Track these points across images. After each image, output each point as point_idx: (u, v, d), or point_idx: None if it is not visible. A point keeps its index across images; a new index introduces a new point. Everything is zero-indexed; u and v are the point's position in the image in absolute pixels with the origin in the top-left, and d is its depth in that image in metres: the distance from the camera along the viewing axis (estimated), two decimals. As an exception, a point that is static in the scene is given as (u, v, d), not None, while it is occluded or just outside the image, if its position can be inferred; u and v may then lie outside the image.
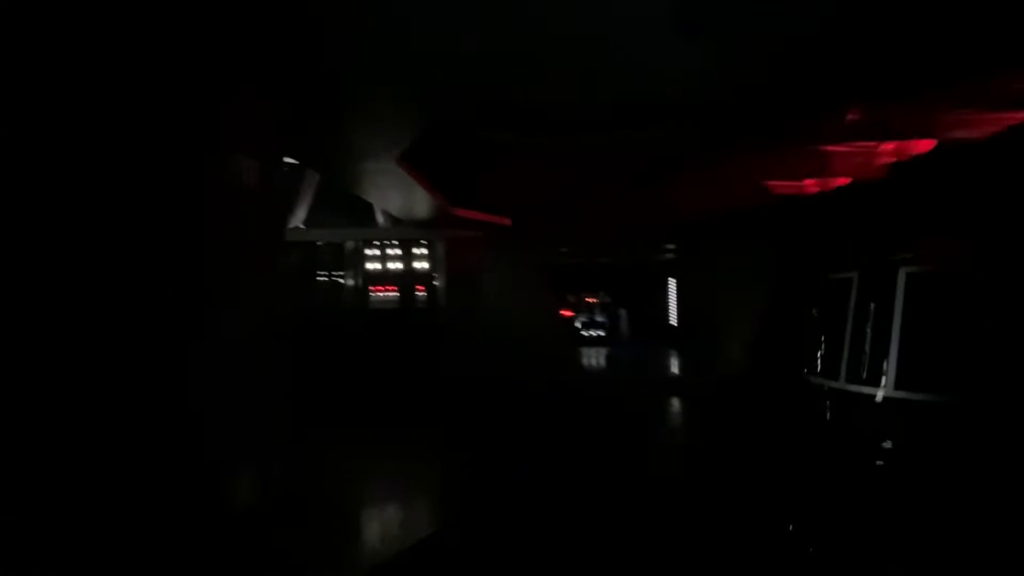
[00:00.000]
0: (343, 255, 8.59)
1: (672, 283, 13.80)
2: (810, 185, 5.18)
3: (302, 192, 13.62)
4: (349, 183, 6.20)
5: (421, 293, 8.50)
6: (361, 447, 5.12)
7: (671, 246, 11.50)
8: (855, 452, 2.94)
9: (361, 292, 8.43)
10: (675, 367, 11.29)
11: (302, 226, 8.03)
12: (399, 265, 8.53)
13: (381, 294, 8.49)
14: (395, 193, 5.97)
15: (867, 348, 3.00)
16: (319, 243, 8.58)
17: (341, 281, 8.88)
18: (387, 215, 8.32)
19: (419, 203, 6.67)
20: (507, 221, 8.06)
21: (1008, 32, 2.39)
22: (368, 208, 8.27)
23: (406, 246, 8.46)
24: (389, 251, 8.51)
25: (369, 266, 8.53)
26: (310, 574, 2.82)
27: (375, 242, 8.50)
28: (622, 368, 12.02)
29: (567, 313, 15.02)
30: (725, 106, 3.54)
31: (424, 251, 8.50)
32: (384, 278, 8.55)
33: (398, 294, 8.49)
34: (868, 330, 2.98)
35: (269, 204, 3.36)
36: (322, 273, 8.72)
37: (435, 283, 8.41)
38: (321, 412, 5.50)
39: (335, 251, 8.68)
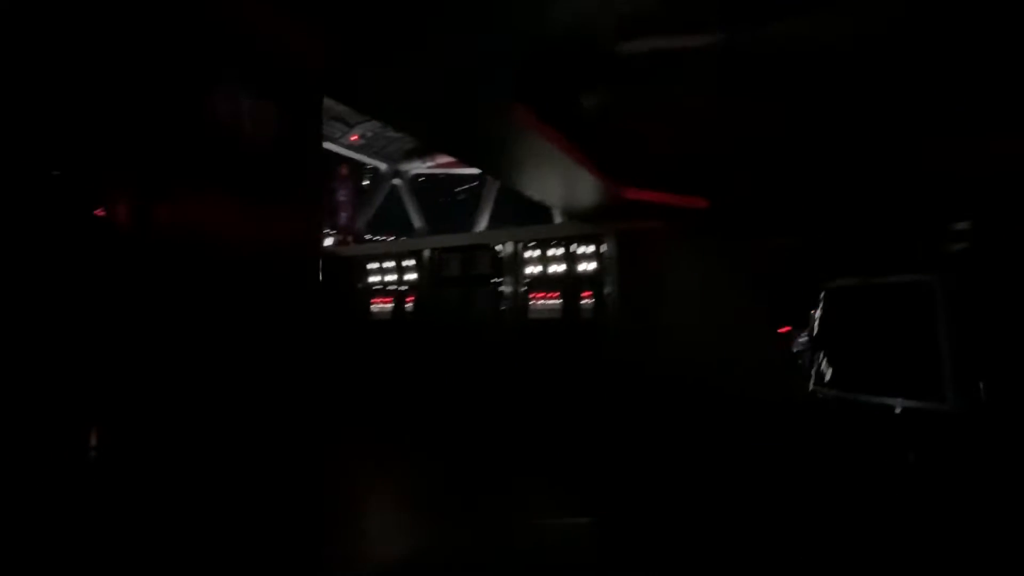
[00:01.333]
0: (502, 260, 7.63)
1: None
2: None
3: (483, 199, 13.47)
4: (464, 154, 4.94)
5: (587, 300, 6.98)
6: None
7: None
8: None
9: (520, 300, 7.32)
10: None
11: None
12: (562, 267, 7.17)
13: (542, 302, 7.25)
14: (534, 167, 4.57)
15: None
16: (478, 247, 7.79)
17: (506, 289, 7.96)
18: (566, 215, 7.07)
19: (575, 183, 5.17)
20: (700, 202, 5.99)
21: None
22: (547, 211, 7.17)
23: (571, 245, 7.05)
24: (551, 252, 7.21)
25: (528, 270, 7.39)
26: None
27: (536, 243, 7.33)
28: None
29: (784, 330, 11.58)
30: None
31: (591, 249, 6.97)
32: (545, 283, 7.29)
33: (560, 301, 7.14)
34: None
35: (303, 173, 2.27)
36: (482, 280, 7.90)
37: (605, 289, 6.77)
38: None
39: (495, 256, 7.78)
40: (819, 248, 6.03)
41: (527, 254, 7.32)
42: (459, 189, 22.38)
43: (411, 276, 8.28)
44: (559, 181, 5.16)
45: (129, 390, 1.50)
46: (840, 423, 3.76)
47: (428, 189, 22.95)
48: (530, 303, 7.24)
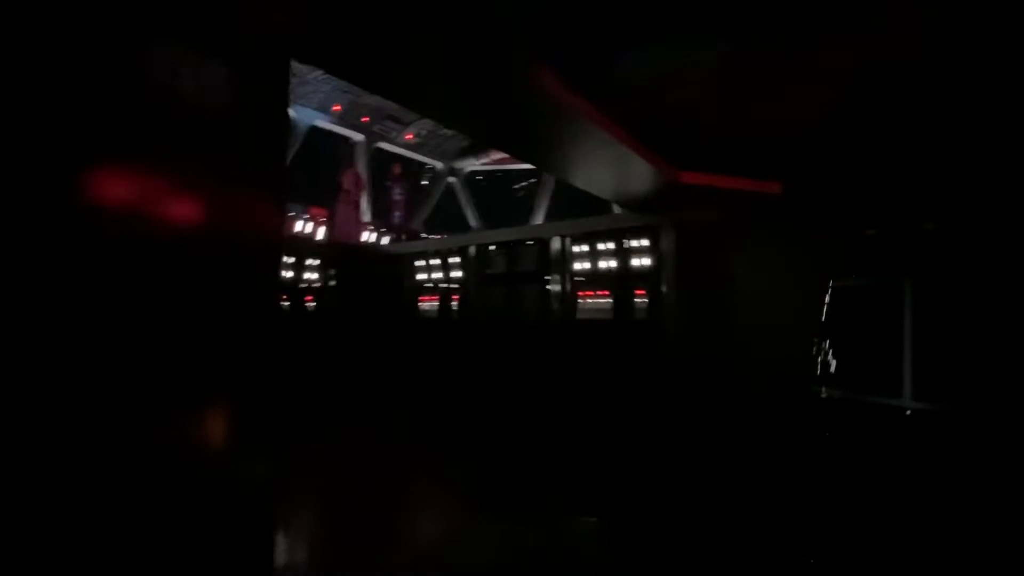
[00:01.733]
0: (549, 256, 7.16)
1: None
2: None
3: (539, 195, 13.06)
4: (481, 132, 4.44)
5: (641, 299, 6.34)
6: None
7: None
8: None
9: (568, 299, 6.82)
10: None
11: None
12: (613, 263, 6.59)
13: (591, 301, 6.70)
14: (569, 147, 4.07)
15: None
16: (524, 242, 7.37)
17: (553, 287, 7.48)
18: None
19: (622, 166, 4.62)
20: (772, 187, 5.20)
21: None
22: (606, 207, 6.68)
23: (623, 238, 6.45)
24: (601, 246, 6.65)
25: (577, 266, 6.87)
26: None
27: (585, 237, 6.78)
28: None
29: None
30: None
31: (646, 243, 6.32)
32: (594, 281, 6.74)
33: (611, 300, 6.55)
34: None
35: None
36: (528, 277, 7.48)
37: (662, 286, 6.11)
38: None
39: (541, 252, 7.33)
40: (911, 240, 5.02)
41: (575, 249, 6.81)
42: (517, 186, 22.11)
43: (457, 274, 8.03)
44: (603, 164, 4.63)
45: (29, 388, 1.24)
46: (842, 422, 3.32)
47: (486, 187, 22.88)
48: (578, 302, 6.73)
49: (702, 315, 5.61)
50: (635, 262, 6.35)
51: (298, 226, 10.74)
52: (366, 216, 12.11)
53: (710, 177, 5.03)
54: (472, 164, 14.13)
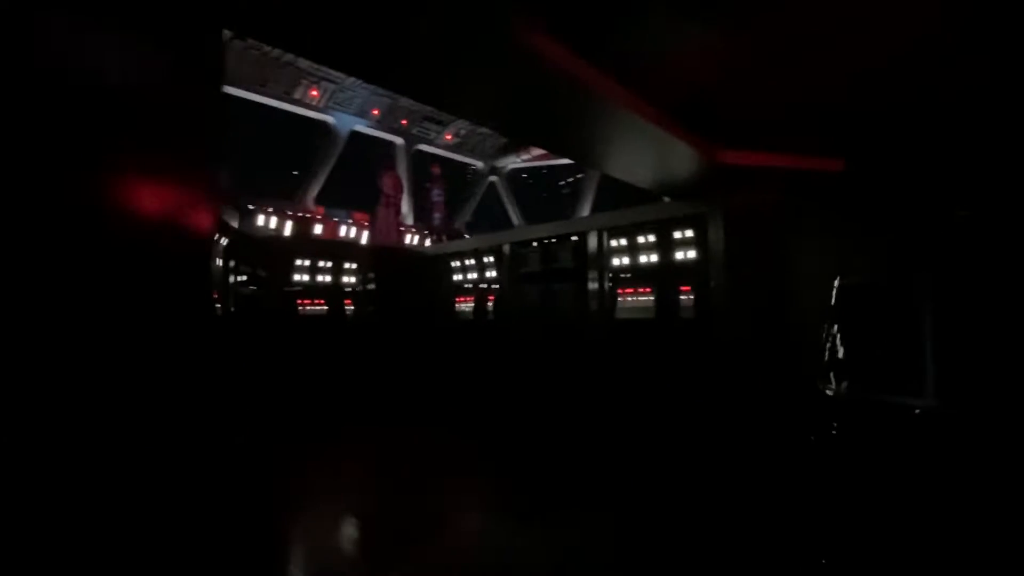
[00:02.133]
0: (586, 251, 6.71)
1: None
2: None
3: (584, 190, 12.58)
4: (479, 113, 4.03)
5: (687, 295, 5.77)
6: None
7: None
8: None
9: (607, 297, 6.35)
10: None
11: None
12: (655, 257, 6.05)
13: (631, 299, 6.20)
14: (593, 129, 3.64)
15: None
16: (560, 239, 6.97)
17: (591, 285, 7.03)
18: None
19: (656, 149, 4.14)
20: (833, 165, 4.51)
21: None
22: (655, 200, 6.21)
23: (665, 230, 5.90)
24: (641, 239, 6.13)
25: (615, 261, 6.38)
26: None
27: (625, 230, 6.28)
28: None
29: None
30: None
31: (690, 234, 5.74)
32: (635, 277, 6.23)
33: (653, 298, 6.02)
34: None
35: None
36: (564, 275, 7.07)
37: (710, 283, 5.52)
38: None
39: (577, 248, 6.89)
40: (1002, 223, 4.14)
41: (614, 243, 6.34)
42: (562, 183, 21.63)
43: (492, 273, 7.76)
44: (633, 147, 4.18)
45: None
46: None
47: (532, 184, 22.53)
48: (618, 300, 6.25)
49: (755, 314, 4.99)
50: (679, 255, 5.79)
51: (342, 231, 10.92)
52: (408, 219, 12.15)
53: (759, 156, 4.45)
54: (513, 162, 13.87)
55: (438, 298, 8.35)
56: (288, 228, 9.90)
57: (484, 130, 12.29)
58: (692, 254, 5.68)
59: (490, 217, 15.68)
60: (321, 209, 10.74)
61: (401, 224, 11.93)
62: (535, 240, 7.07)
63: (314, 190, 10.64)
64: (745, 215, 5.19)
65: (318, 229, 10.34)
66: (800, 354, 4.50)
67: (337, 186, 11.38)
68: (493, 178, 13.94)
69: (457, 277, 8.29)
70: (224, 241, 5.78)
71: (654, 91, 3.41)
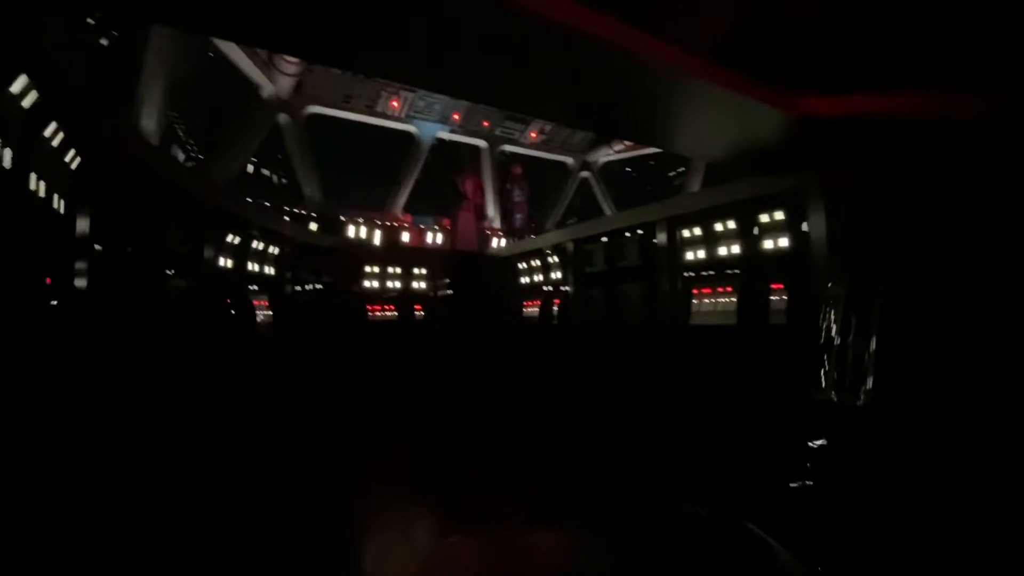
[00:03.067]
0: (655, 245, 5.69)
1: None
2: None
3: (690, 181, 11.25)
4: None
5: (778, 295, 4.49)
6: None
7: None
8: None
9: (680, 299, 5.28)
10: None
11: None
12: (736, 250, 4.85)
13: (708, 300, 5.05)
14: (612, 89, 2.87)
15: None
16: (626, 232, 6.02)
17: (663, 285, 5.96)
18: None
19: (716, 107, 3.16)
20: (971, 107, 3.05)
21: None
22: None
23: (750, 215, 4.70)
24: (719, 227, 4.97)
25: (689, 255, 5.28)
26: None
27: (699, 217, 5.15)
28: None
29: None
30: None
31: (781, 217, 4.47)
32: (713, 274, 5.07)
33: (735, 300, 4.81)
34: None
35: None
36: (629, 274, 6.10)
37: (807, 278, 4.21)
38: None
39: (643, 241, 5.88)
40: None
41: (685, 233, 5.28)
42: (673, 173, 19.73)
43: (557, 275, 7.09)
44: (686, 110, 3.30)
45: None
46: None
47: (634, 178, 20.98)
48: (693, 303, 5.18)
49: (871, 316, 3.65)
50: (768, 245, 4.58)
51: (428, 238, 11.07)
52: (495, 222, 11.94)
53: (863, 100, 3.22)
54: (606, 154, 12.93)
55: (505, 302, 7.91)
56: (377, 237, 10.28)
57: (570, 123, 11.60)
58: (785, 243, 4.44)
59: (586, 216, 14.85)
60: (408, 217, 11.01)
61: (488, 227, 11.77)
62: (600, 235, 6.24)
63: (402, 199, 10.95)
64: (856, 189, 3.85)
65: (405, 237, 10.59)
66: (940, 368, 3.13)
67: (424, 194, 11.60)
68: (585, 174, 13.14)
69: (525, 280, 7.76)
70: (279, 250, 5.99)
71: (705, 30, 2.60)
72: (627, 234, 5.88)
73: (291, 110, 9.17)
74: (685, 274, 5.27)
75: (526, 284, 7.73)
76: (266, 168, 21.49)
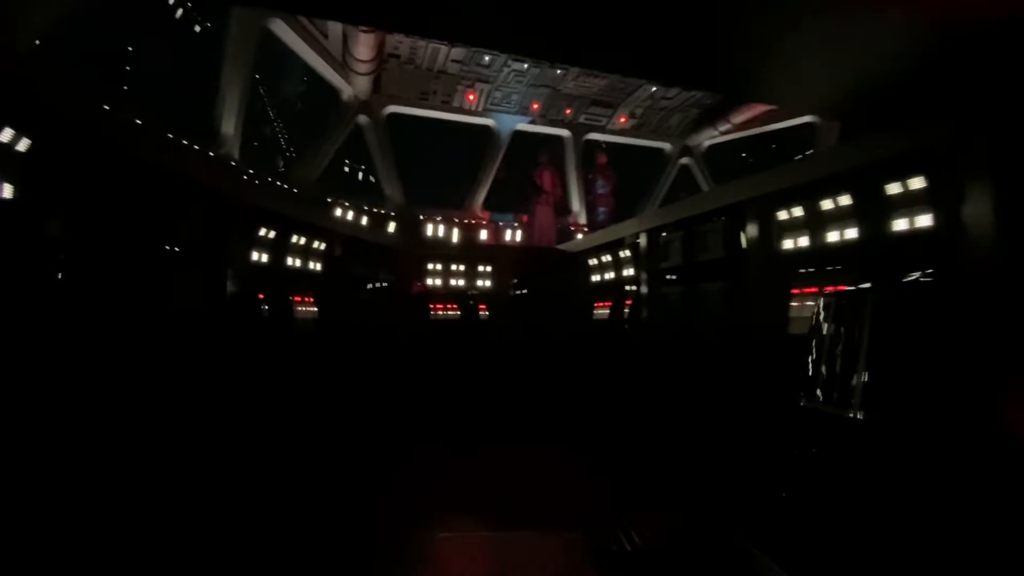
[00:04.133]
0: (741, 232, 4.47)
1: None
2: None
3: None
4: None
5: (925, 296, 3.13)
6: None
7: None
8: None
9: (776, 302, 4.05)
10: None
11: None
12: (850, 234, 3.53)
13: (812, 303, 3.79)
14: None
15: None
16: (711, 218, 4.86)
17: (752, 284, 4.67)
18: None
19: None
20: None
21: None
22: None
23: (870, 184, 3.38)
24: (828, 204, 3.68)
25: (787, 243, 4.03)
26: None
27: (802, 191, 3.86)
28: None
29: None
30: None
31: (921, 185, 3.12)
32: (820, 269, 3.79)
33: (862, 298, 3.50)
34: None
35: None
36: (711, 269, 4.91)
37: (968, 272, 2.84)
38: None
39: (733, 228, 4.67)
40: None
41: (782, 215, 4.08)
42: (800, 156, 16.94)
43: (629, 271, 6.12)
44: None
45: None
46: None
47: (750, 163, 18.39)
48: (791, 306, 3.97)
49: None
50: (901, 226, 3.27)
51: (507, 235, 10.61)
52: (580, 217, 11.13)
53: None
54: (710, 136, 11.38)
55: (573, 302, 7.08)
56: (455, 235, 10.06)
57: (668, 103, 10.35)
58: (926, 221, 3.11)
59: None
60: (487, 214, 10.66)
61: (573, 223, 10.98)
62: (675, 225, 5.19)
63: (480, 196, 10.64)
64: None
65: (483, 235, 10.25)
66: None
67: (504, 190, 11.17)
68: (685, 160, 11.70)
69: (595, 277, 6.87)
70: (333, 248, 5.88)
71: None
72: (709, 221, 4.77)
73: (370, 111, 9.30)
74: (789, 269, 4.06)
75: (597, 282, 6.84)
76: (351, 168, 22.75)
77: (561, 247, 8.39)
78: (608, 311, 6.32)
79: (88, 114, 2.88)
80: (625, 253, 6.08)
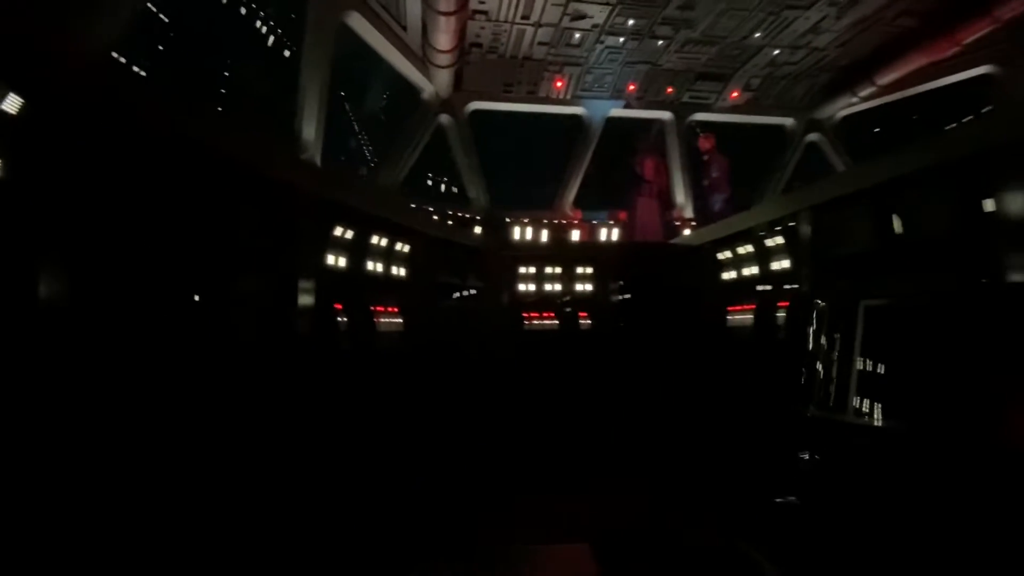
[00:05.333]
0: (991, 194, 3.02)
1: None
2: None
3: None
4: None
5: None
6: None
7: None
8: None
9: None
10: None
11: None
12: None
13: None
14: None
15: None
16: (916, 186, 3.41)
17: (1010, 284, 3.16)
18: None
19: None
20: None
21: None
22: None
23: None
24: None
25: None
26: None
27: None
28: None
29: None
30: None
31: None
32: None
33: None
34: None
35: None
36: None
37: None
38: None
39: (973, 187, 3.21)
40: None
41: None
42: (954, 125, 14.00)
43: (783, 264, 4.75)
44: None
45: None
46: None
47: (901, 134, 15.50)
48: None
49: None
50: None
51: (602, 234, 9.48)
52: (686, 210, 9.74)
53: None
54: (847, 105, 9.51)
55: (698, 306, 5.79)
56: (544, 237, 9.14)
57: (793, 68, 8.72)
58: None
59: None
60: (579, 213, 9.64)
61: (679, 216, 9.62)
62: (856, 195, 3.79)
63: (571, 193, 9.66)
64: None
65: (575, 235, 9.23)
66: None
67: (596, 187, 10.09)
68: (813, 136, 9.89)
69: (726, 275, 5.54)
70: (411, 248, 5.17)
71: None
72: (919, 183, 3.37)
73: (452, 110, 8.72)
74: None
75: (729, 281, 5.52)
76: (434, 173, 22.63)
77: (675, 242, 7.12)
78: (752, 316, 4.98)
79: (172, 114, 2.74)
80: (776, 241, 4.74)
